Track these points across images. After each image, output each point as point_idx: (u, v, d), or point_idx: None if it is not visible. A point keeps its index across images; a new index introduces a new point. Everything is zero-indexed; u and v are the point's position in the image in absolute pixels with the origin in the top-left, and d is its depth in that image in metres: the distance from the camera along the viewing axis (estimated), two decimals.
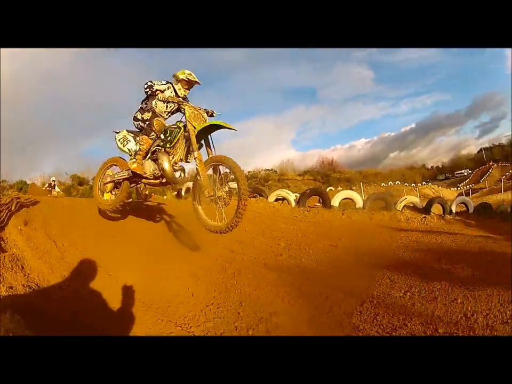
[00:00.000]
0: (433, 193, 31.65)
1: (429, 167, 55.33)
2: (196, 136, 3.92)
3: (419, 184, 37.84)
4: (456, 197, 23.54)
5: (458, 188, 37.32)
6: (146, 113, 4.46)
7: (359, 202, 10.56)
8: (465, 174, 45.90)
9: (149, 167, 4.28)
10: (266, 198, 10.48)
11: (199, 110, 4.06)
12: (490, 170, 42.85)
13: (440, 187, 37.19)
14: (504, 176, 36.30)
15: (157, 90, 4.31)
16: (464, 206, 12.37)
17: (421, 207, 11.22)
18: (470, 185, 38.37)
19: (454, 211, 11.32)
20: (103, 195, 4.84)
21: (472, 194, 29.89)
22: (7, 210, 4.56)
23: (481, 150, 52.57)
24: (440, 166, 53.97)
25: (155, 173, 4.26)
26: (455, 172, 47.21)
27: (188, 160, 4.26)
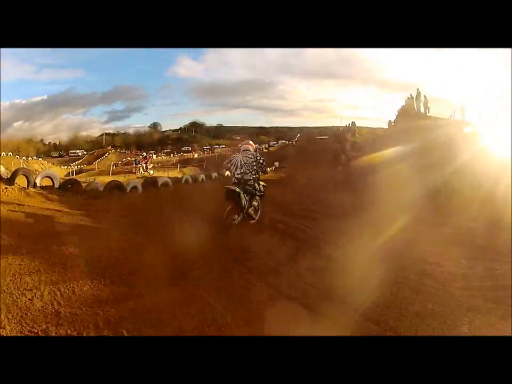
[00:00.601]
0: (42, 168, 30.50)
1: (47, 143, 53.30)
2: None
3: (30, 158, 35.42)
4: (65, 175, 26.40)
5: (70, 167, 37.56)
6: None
7: None
8: (80, 154, 45.22)
9: None
10: None
11: None
12: (106, 154, 44.30)
13: (51, 164, 36.33)
14: (120, 162, 39.50)
15: None
16: (51, 180, 12.86)
17: (6, 177, 10.58)
18: (82, 166, 39.07)
19: (38, 184, 11.10)
20: None
21: (80, 174, 30.60)
22: None
23: (103, 134, 55.48)
24: (58, 143, 52.63)
25: None
26: (70, 151, 45.52)
27: None
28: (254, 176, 6.74)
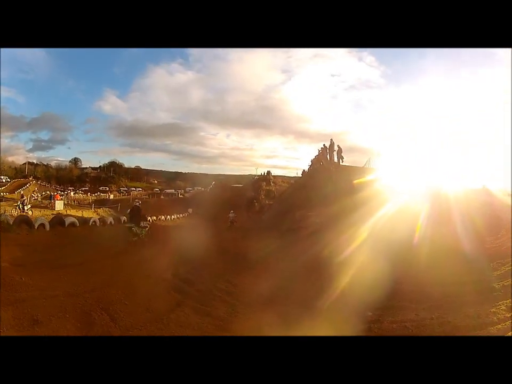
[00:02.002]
0: None
1: None
2: None
3: None
4: None
5: None
6: None
7: None
8: (4, 180, 46.56)
9: None
10: None
11: None
12: (28, 185, 45.10)
13: None
14: (40, 195, 39.64)
15: None
16: None
17: None
18: (5, 193, 40.03)
19: None
20: None
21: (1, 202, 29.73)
22: None
23: (26, 163, 55.13)
24: None
25: None
26: None
27: None
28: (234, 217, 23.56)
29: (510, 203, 10.60)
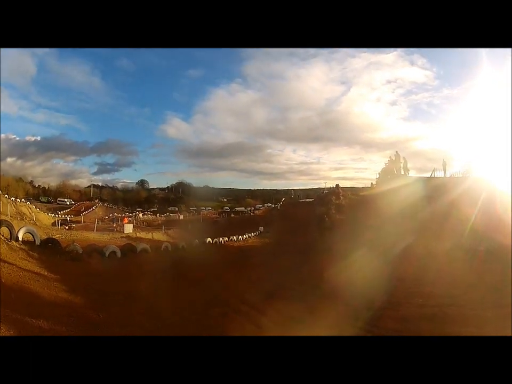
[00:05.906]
0: (29, 213, 33.28)
1: (36, 185, 54.00)
2: None
3: (18, 200, 36.39)
4: (51, 223, 28.43)
5: (57, 215, 38.85)
6: None
7: None
8: (68, 203, 47.59)
9: None
10: None
11: None
12: (94, 207, 45.99)
13: (38, 209, 38.07)
14: (106, 217, 40.98)
15: None
16: (31, 235, 12.30)
17: None
18: (69, 216, 39.94)
19: (20, 238, 11.53)
20: None
21: (65, 224, 31.52)
22: None
23: (91, 185, 56.29)
24: (47, 188, 53.87)
25: None
26: (58, 199, 48.66)
27: None
28: None
29: None
